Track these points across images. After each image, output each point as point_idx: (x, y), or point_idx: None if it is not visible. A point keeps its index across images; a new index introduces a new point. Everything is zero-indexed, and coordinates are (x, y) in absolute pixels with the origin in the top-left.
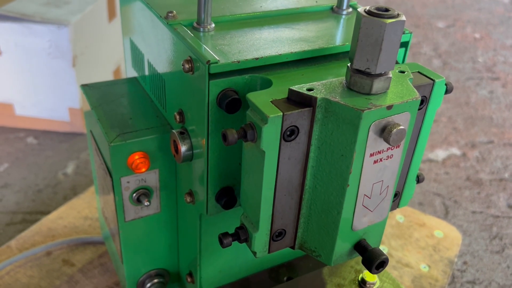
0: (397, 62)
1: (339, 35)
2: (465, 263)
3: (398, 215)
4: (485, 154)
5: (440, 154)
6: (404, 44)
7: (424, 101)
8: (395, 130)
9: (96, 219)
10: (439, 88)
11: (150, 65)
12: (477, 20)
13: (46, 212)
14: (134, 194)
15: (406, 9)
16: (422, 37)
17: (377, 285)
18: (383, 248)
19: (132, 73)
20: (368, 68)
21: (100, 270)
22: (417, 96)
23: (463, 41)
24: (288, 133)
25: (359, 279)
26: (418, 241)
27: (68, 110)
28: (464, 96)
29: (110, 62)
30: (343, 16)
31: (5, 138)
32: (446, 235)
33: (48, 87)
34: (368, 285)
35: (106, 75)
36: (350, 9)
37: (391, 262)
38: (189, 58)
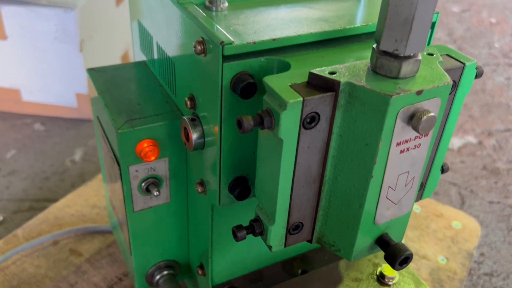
0: None
1: (361, 15)
2: (482, 254)
3: (415, 206)
4: (502, 143)
5: (455, 142)
6: (431, 25)
7: (453, 86)
8: (425, 117)
9: (104, 208)
10: (470, 72)
11: (159, 47)
12: (493, 4)
13: (54, 200)
14: (143, 184)
15: None
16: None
17: (396, 279)
18: None
19: (140, 56)
20: (397, 50)
21: (108, 260)
22: (448, 80)
23: (479, 26)
24: (308, 120)
25: (378, 273)
26: (436, 232)
27: (75, 96)
28: (480, 82)
29: (118, 47)
30: None
31: (12, 124)
32: (465, 226)
33: (55, 72)
34: (387, 280)
35: (114, 60)
36: None
37: None
38: (201, 39)
